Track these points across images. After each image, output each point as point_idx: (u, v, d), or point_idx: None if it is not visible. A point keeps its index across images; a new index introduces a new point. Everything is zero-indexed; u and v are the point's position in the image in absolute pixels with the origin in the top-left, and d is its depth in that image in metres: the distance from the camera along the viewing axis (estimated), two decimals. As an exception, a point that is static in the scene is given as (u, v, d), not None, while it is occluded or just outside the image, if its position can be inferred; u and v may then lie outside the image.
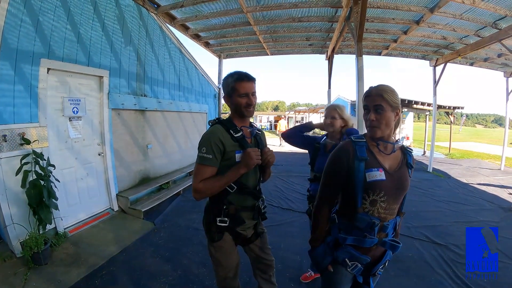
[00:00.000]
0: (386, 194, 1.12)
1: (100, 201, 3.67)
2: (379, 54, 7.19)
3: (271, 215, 2.38)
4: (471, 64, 7.48)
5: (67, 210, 3.11)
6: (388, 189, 1.12)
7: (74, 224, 3.21)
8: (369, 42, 6.29)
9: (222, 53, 7.61)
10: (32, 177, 2.51)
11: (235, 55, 7.78)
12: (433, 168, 7.55)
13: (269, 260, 1.59)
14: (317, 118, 25.26)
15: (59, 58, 2.95)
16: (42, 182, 2.50)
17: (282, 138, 2.23)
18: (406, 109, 11.58)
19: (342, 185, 1.19)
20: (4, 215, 2.42)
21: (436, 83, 7.30)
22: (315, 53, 7.66)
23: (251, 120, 1.74)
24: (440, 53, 6.75)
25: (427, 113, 12.25)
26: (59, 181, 2.74)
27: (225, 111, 10.86)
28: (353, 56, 4.09)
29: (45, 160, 2.62)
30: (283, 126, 15.29)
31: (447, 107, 12.36)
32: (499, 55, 6.53)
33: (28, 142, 2.55)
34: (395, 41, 6.10)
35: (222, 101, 7.14)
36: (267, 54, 7.59)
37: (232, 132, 1.37)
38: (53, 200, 2.56)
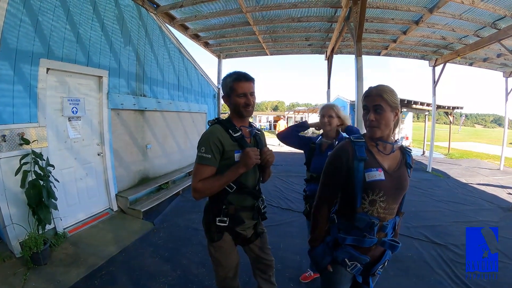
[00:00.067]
0: (385, 194, 1.12)
1: (99, 201, 3.67)
2: (379, 54, 7.21)
3: (270, 215, 2.38)
4: (471, 64, 7.49)
5: (67, 210, 3.10)
6: (387, 189, 1.12)
7: (73, 224, 3.21)
8: (368, 42, 6.29)
9: (221, 53, 7.61)
10: (31, 177, 2.51)
11: (234, 55, 7.78)
12: (432, 168, 7.56)
13: (269, 260, 1.59)
14: (316, 118, 25.17)
15: (58, 58, 2.95)
16: (42, 182, 2.50)
17: (277, 139, 2.22)
18: (405, 109, 11.59)
19: (341, 185, 1.19)
20: (4, 215, 2.42)
21: (435, 83, 7.31)
22: (314, 53, 7.67)
23: (251, 120, 1.74)
24: (439, 53, 6.76)
25: (427, 113, 12.26)
26: (58, 181, 2.74)
27: (225, 111, 10.85)
28: (353, 56, 4.09)
29: (44, 160, 2.62)
30: (282, 126, 15.32)
31: (446, 107, 12.38)
32: (499, 55, 6.55)
33: (27, 142, 2.55)
34: (395, 41, 6.11)
35: (222, 101, 7.13)
36: (267, 54, 7.60)
37: (231, 132, 1.37)
38: (52, 200, 2.55)
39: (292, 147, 2.19)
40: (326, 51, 7.15)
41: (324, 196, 1.24)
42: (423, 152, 11.66)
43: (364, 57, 4.03)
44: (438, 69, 7.20)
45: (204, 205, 1.50)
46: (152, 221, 3.57)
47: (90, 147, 3.52)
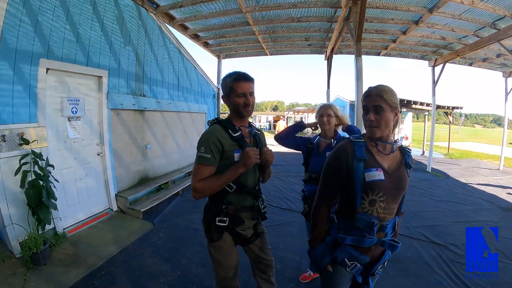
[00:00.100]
0: (385, 194, 1.12)
1: (99, 201, 3.67)
2: (378, 54, 7.20)
3: (270, 215, 2.37)
4: (470, 64, 7.50)
5: (66, 210, 3.10)
6: (387, 189, 1.13)
7: (73, 224, 3.21)
8: (368, 42, 6.29)
9: (221, 53, 7.61)
10: (31, 177, 2.51)
11: (234, 55, 7.78)
12: (432, 168, 7.56)
13: (269, 260, 1.60)
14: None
15: (58, 58, 2.95)
16: (41, 182, 2.50)
17: (275, 140, 2.21)
18: (405, 109, 11.59)
19: (341, 185, 1.20)
20: (3, 216, 2.42)
21: (435, 83, 7.32)
22: (314, 53, 7.66)
23: (250, 120, 1.74)
24: (439, 53, 6.76)
25: (426, 113, 12.27)
26: (58, 181, 2.74)
27: (224, 111, 10.85)
28: (352, 56, 4.09)
29: (44, 160, 2.62)
30: (282, 127, 15.32)
31: (446, 107, 12.39)
32: (498, 55, 6.55)
33: (27, 142, 2.55)
34: (394, 41, 6.11)
35: (221, 101, 7.14)
36: (266, 54, 7.59)
37: (230, 131, 1.37)
38: (52, 200, 2.55)
39: (290, 148, 2.18)
40: (326, 51, 7.15)
41: (323, 196, 1.25)
42: (423, 152, 11.66)
43: (363, 57, 4.03)
44: (437, 69, 7.20)
45: (204, 205, 1.51)
46: (152, 221, 3.57)
47: (89, 147, 3.52)
